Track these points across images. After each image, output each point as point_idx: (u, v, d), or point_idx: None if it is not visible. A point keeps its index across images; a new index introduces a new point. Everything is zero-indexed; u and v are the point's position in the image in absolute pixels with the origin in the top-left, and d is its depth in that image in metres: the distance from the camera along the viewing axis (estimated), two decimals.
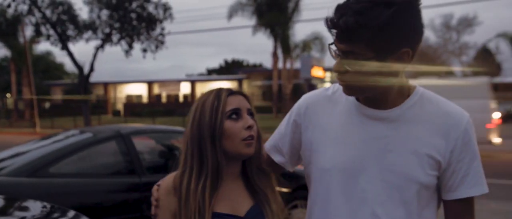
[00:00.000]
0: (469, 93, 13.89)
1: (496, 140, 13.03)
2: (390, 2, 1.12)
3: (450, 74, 48.06)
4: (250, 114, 1.39)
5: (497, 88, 46.00)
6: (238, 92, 1.41)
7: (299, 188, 5.15)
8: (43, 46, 59.04)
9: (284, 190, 5.07)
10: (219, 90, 1.40)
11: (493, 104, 13.72)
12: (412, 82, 1.31)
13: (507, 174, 10.53)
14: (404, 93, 1.28)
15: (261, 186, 1.40)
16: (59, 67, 53.12)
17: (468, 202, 1.28)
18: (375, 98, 1.27)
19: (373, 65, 1.16)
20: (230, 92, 1.39)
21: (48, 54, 47.35)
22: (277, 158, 1.52)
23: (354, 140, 1.29)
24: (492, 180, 9.59)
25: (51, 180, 3.89)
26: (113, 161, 4.39)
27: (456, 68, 42.74)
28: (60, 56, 77.62)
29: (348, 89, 1.25)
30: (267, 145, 1.54)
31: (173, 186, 1.34)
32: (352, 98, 1.32)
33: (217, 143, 1.32)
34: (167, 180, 1.37)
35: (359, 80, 1.20)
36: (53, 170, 3.96)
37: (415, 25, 1.18)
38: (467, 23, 40.90)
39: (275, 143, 1.52)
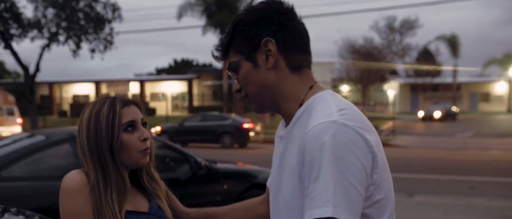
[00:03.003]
0: None
1: None
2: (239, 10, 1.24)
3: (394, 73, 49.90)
4: (144, 124, 1.42)
5: (437, 88, 48.36)
6: (131, 101, 1.43)
7: (252, 187, 5.33)
8: None
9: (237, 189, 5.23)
10: (113, 101, 1.39)
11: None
12: (316, 91, 1.20)
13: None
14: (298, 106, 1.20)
15: (152, 189, 1.48)
16: None
17: None
18: (283, 116, 1.24)
19: (251, 70, 1.19)
20: (124, 103, 1.40)
21: None
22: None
23: (274, 159, 1.30)
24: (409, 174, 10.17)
25: (3, 183, 3.87)
26: (68, 163, 4.37)
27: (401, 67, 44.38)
28: None
29: (255, 108, 1.26)
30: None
31: (80, 187, 1.31)
32: None
33: (116, 156, 1.35)
34: (73, 181, 1.33)
35: (251, 94, 1.22)
36: (5, 173, 3.94)
37: (267, 16, 1.18)
38: (409, 25, 42.60)
39: None
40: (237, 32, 1.20)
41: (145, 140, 1.40)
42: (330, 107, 1.09)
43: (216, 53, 1.27)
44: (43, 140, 4.33)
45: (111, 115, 1.37)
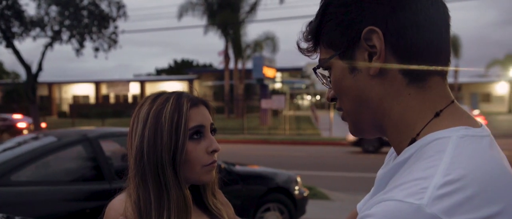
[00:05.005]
0: None
1: None
2: None
3: None
4: (213, 130, 1.15)
5: None
6: (201, 100, 1.16)
7: (270, 191, 5.09)
8: None
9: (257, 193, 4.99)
10: (180, 98, 1.11)
11: None
12: (440, 127, 0.73)
13: None
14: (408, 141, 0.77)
15: (216, 208, 1.22)
16: None
17: None
18: (392, 145, 0.84)
19: (346, 75, 0.79)
20: (192, 101, 1.12)
21: None
22: None
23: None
24: None
25: (13, 189, 3.64)
26: (80, 167, 4.15)
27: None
28: None
29: (350, 128, 0.87)
30: None
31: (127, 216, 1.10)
32: None
33: (179, 171, 1.08)
34: (115, 213, 1.11)
35: (345, 108, 0.83)
36: (14, 177, 3.70)
37: None
38: None
39: None
40: (329, 16, 0.80)
41: (213, 151, 1.11)
42: (434, 172, 0.65)
43: (303, 45, 0.87)
44: (54, 142, 4.07)
45: (177, 117, 1.08)
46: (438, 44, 0.76)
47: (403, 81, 0.75)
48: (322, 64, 0.83)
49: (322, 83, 0.88)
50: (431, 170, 0.65)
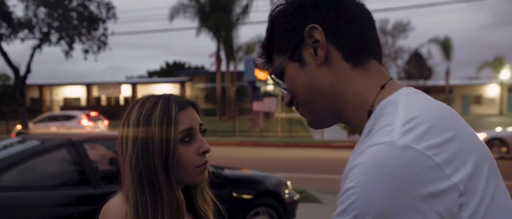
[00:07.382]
0: None
1: None
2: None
3: None
4: (203, 131, 1.18)
5: (429, 91, 48.50)
6: (189, 102, 1.19)
7: (260, 195, 5.03)
8: None
9: (246, 196, 4.92)
10: (168, 102, 1.12)
11: None
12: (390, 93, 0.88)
13: None
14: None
15: (204, 210, 1.25)
16: None
17: None
18: (353, 128, 0.94)
19: (297, 71, 0.91)
20: (180, 105, 1.14)
21: None
22: None
23: None
24: None
25: None
26: (65, 171, 4.06)
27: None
28: None
29: (309, 121, 0.97)
30: None
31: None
32: None
33: (171, 174, 1.10)
34: (115, 215, 1.12)
35: (301, 102, 0.94)
36: None
37: (311, 0, 0.91)
38: (401, 28, 42.66)
39: None
40: (276, 27, 0.94)
41: (204, 152, 1.14)
42: (395, 118, 0.79)
43: (258, 61, 1.00)
44: (38, 146, 3.98)
45: (166, 121, 1.10)
46: (369, 34, 0.92)
47: (347, 66, 0.89)
48: (276, 68, 0.95)
49: (279, 88, 0.99)
50: (392, 119, 0.79)
